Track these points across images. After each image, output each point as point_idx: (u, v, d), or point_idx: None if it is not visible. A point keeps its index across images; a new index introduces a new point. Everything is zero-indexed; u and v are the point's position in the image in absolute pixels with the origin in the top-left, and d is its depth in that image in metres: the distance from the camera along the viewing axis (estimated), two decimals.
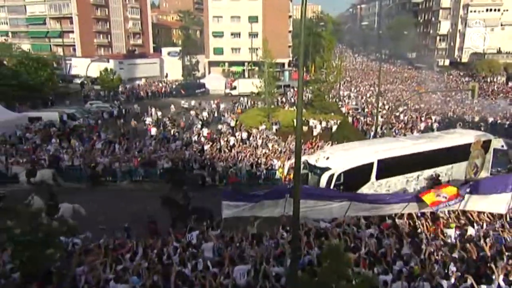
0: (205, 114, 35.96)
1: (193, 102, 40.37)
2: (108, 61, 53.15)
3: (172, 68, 66.35)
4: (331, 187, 15.64)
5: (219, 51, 68.34)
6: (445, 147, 18.27)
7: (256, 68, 50.33)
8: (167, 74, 66.41)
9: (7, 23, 79.06)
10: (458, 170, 18.70)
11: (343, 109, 40.96)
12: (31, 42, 75.23)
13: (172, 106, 38.89)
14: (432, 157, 17.93)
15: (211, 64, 69.11)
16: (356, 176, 16.29)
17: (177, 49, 69.77)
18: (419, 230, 12.50)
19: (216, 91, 54.02)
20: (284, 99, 45.83)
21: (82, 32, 71.35)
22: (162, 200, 15.38)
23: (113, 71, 47.06)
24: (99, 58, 56.71)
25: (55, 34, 72.41)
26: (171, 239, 11.92)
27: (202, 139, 27.51)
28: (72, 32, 72.09)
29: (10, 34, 77.90)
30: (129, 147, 25.19)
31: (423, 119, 36.71)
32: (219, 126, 31.75)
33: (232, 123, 32.43)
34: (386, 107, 42.04)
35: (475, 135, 20.26)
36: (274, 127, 31.46)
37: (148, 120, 33.43)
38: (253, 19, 64.72)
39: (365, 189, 16.18)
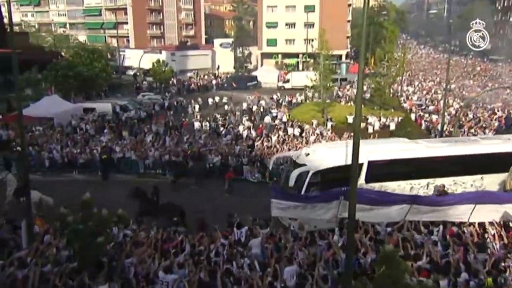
0: (254, 108, 36.26)
1: (225, 99, 40.25)
2: (161, 53, 55.08)
3: (224, 60, 67.43)
4: (304, 186, 15.01)
5: (272, 42, 68.41)
6: (473, 153, 16.14)
7: (311, 61, 49.95)
8: (218, 66, 67.64)
9: (65, 15, 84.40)
10: (492, 182, 16.18)
11: (405, 105, 39.55)
12: (87, 34, 79.80)
13: (210, 100, 39.33)
14: (452, 164, 16.21)
15: (264, 56, 69.38)
16: (338, 177, 14.96)
17: (230, 40, 70.78)
18: (488, 239, 11.81)
19: (268, 84, 54.17)
20: (340, 94, 45.02)
21: (136, 23, 74.53)
22: (131, 192, 15.56)
23: (165, 62, 48.68)
24: (151, 50, 58.93)
25: (110, 25, 76.18)
26: (218, 236, 12.18)
27: (253, 133, 27.78)
28: (126, 23, 75.50)
29: (68, 26, 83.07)
30: (179, 140, 26.01)
31: (496, 117, 34.45)
32: (267, 120, 31.96)
33: (284, 118, 32.41)
34: (455, 104, 39.95)
35: None
36: (329, 123, 31.03)
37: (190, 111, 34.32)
38: (309, 8, 64.04)
39: None
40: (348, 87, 48.30)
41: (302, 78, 46.23)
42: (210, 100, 39.07)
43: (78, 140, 25.07)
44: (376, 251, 10.40)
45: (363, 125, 29.66)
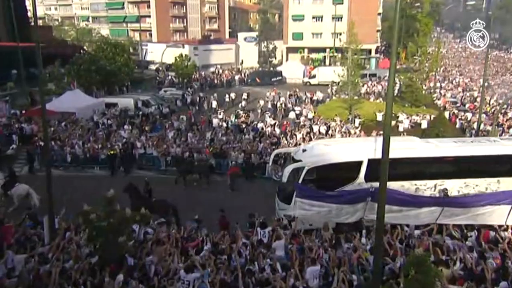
0: (278, 104, 36.19)
1: (244, 95, 39.97)
2: (183, 47, 55.58)
3: (248, 54, 67.54)
4: (299, 182, 15.07)
5: (298, 36, 68.00)
6: (488, 155, 15.58)
7: (339, 55, 49.43)
8: (242, 61, 67.77)
9: (88, 8, 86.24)
10: (511, 186, 15.44)
11: (439, 103, 38.67)
12: (109, 27, 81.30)
13: (227, 96, 39.31)
14: (463, 165, 15.77)
15: (289, 50, 69.08)
16: (336, 174, 15.39)
17: (254, 34, 70.83)
18: None
19: (293, 80, 53.96)
20: (368, 90, 44.43)
21: (159, 16, 75.44)
22: (125, 187, 15.90)
23: (188, 57, 49.17)
24: (174, 44, 59.54)
25: (132, 19, 77.39)
26: (239, 235, 12.26)
27: (277, 131, 27.75)
28: (149, 16, 76.49)
29: (90, 19, 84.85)
30: (201, 136, 26.23)
31: None
32: (291, 117, 31.77)
33: (310, 115, 32.24)
34: (492, 101, 38.83)
35: None
36: (357, 121, 30.69)
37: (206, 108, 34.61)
38: (337, 0, 63.30)
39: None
40: (375, 83, 47.64)
41: (329, 74, 45.85)
42: (226, 97, 39.00)
43: (100, 136, 25.60)
44: (406, 255, 10.26)
45: (393, 123, 29.18)
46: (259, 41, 66.89)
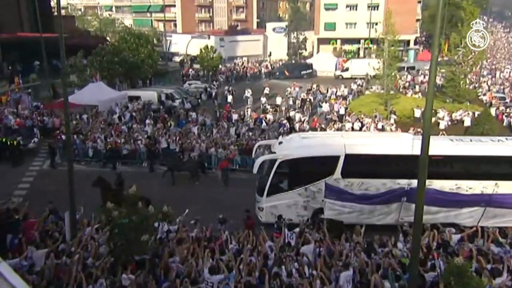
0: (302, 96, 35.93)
1: (266, 89, 39.56)
2: (209, 38, 56.04)
3: (277, 46, 67.43)
4: (271, 174, 15.62)
5: (330, 26, 67.36)
6: (485, 155, 15.16)
7: (374, 47, 48.65)
8: (270, 53, 67.69)
9: None
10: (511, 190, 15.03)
11: (484, 98, 37.58)
12: (133, 17, 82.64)
13: (247, 91, 38.70)
14: (455, 165, 15.54)
15: (321, 41, 68.54)
16: (310, 168, 15.69)
17: (283, 24, 70.59)
18: None
19: (324, 73, 53.56)
20: (406, 84, 43.60)
21: (184, 6, 76.18)
22: (94, 182, 16.30)
23: (213, 48, 49.45)
24: (199, 35, 60.07)
25: (156, 8, 78.40)
26: (264, 237, 12.30)
27: (307, 127, 27.60)
28: (174, 5, 77.34)
29: (113, 9, 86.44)
30: (227, 132, 26.35)
31: None
32: (326, 109, 31.53)
33: (342, 111, 31.92)
34: None
35: None
36: (393, 117, 30.18)
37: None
38: None
39: (324, 186, 15.52)
40: (413, 77, 46.71)
41: (363, 66, 45.28)
42: (246, 92, 38.25)
43: (122, 130, 26.05)
44: (446, 262, 10.05)
45: (432, 120, 28.56)
46: (289, 32, 66.57)
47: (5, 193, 16.44)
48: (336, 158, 15.30)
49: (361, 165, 15.57)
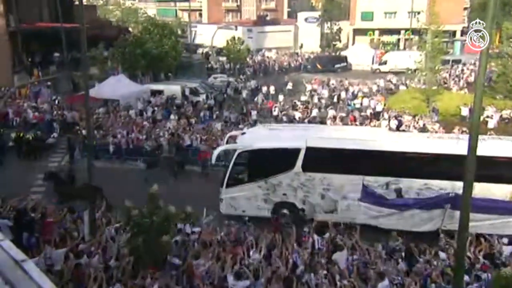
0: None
1: (289, 85, 39.31)
2: (236, 29, 56.14)
3: (309, 37, 67.08)
4: (230, 165, 16.29)
5: (368, 16, 66.57)
6: (457, 154, 14.36)
7: (416, 38, 47.91)
8: (301, 44, 67.40)
9: None
10: (487, 192, 14.57)
11: None
12: (156, 7, 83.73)
13: (264, 89, 38.67)
14: (426, 163, 15.41)
15: (357, 32, 67.82)
16: (269, 161, 16.15)
17: (316, 14, 70.09)
18: None
19: (360, 66, 53.10)
20: (451, 79, 42.66)
21: None
22: (45, 176, 17.11)
23: (241, 40, 49.59)
24: (226, 25, 60.32)
25: None
26: (291, 240, 12.28)
27: (340, 124, 27.35)
28: None
29: None
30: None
31: None
32: (357, 106, 31.33)
33: (379, 107, 31.50)
34: None
35: None
36: (435, 116, 29.58)
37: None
38: None
39: (284, 179, 16.00)
40: (460, 70, 45.67)
41: (403, 59, 44.59)
42: (264, 89, 38.28)
43: (144, 125, 26.43)
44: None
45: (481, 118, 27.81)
46: (322, 22, 66.08)
47: (22, 190, 16.93)
48: (297, 151, 15.70)
49: (323, 159, 15.90)
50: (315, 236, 12.71)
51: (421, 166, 15.58)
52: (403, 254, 12.11)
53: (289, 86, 39.04)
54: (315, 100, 34.89)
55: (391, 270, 10.77)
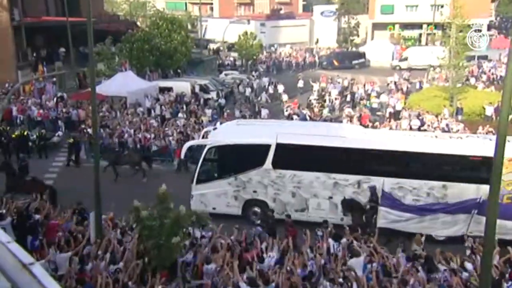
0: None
1: (300, 83, 38.94)
2: (249, 23, 56.19)
3: (325, 32, 66.85)
4: (200, 161, 16.59)
5: (388, 9, 66.20)
6: (432, 153, 15.14)
7: (439, 32, 47.51)
8: (317, 39, 67.19)
9: None
10: (461, 193, 14.76)
11: None
12: (165, 0, 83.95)
13: (270, 87, 38.66)
14: (398, 162, 15.60)
15: (376, 27, 67.47)
16: (239, 157, 16.59)
17: (333, 7, 69.85)
18: None
19: (379, 63, 52.81)
20: (477, 76, 42.25)
21: None
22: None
23: (253, 35, 49.59)
24: (238, 19, 60.38)
25: None
26: (303, 245, 12.28)
27: (356, 123, 27.25)
28: None
29: None
30: None
31: None
32: (374, 105, 31.31)
33: (399, 106, 31.29)
34: None
35: None
36: (459, 115, 29.33)
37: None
38: None
39: (254, 176, 16.28)
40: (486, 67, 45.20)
41: (425, 55, 44.25)
42: (270, 89, 38.17)
43: (152, 124, 26.56)
44: None
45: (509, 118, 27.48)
46: (339, 16, 65.94)
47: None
48: (267, 147, 15.92)
49: (293, 156, 16.13)
50: (331, 241, 12.66)
51: (393, 165, 15.78)
52: (422, 260, 11.98)
53: (300, 84, 38.87)
54: (326, 98, 34.94)
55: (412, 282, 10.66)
